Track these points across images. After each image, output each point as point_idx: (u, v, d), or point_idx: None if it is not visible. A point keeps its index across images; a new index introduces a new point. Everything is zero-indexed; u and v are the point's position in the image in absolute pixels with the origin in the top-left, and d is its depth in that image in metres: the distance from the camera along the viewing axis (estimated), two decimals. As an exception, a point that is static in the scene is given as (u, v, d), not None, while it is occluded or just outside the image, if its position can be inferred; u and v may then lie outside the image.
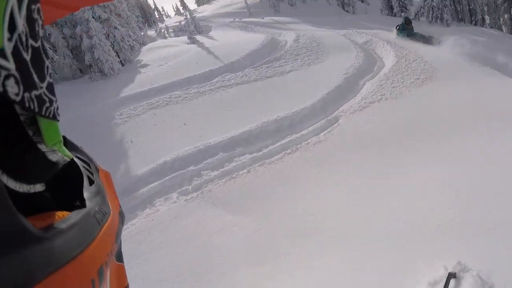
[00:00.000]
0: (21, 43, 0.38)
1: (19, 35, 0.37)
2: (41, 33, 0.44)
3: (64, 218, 0.45)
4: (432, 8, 29.49)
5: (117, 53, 20.01)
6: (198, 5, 59.13)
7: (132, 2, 39.59)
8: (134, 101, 13.40)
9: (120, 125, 11.91)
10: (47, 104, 0.44)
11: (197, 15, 34.83)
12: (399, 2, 34.33)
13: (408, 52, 15.71)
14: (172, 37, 27.65)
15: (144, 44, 24.43)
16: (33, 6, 0.42)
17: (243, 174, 8.18)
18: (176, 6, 70.46)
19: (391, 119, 9.87)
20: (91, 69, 18.57)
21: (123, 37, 20.61)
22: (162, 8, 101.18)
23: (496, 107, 9.44)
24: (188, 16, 26.19)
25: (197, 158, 9.15)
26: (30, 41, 0.40)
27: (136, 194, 8.27)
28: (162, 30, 30.89)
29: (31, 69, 0.40)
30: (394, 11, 34.72)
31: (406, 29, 19.62)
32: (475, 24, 33.66)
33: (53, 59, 19.86)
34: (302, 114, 10.69)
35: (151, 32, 30.77)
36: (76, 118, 12.27)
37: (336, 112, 10.76)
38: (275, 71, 14.52)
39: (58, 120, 0.48)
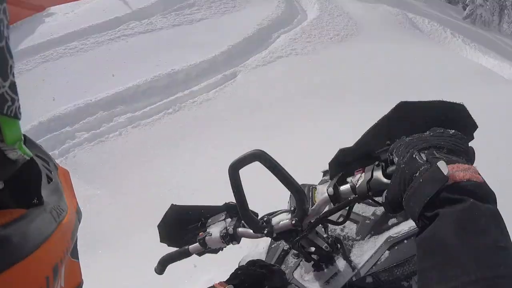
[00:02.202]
0: None
1: None
2: (5, 33, 0.44)
3: (20, 216, 0.46)
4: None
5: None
6: None
7: None
8: (29, 55, 12.13)
9: (8, 82, 10.78)
10: (9, 103, 0.44)
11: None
12: None
13: (335, 6, 15.12)
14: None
15: (58, -11, 22.48)
16: None
17: (113, 137, 7.52)
18: None
19: (294, 77, 9.37)
20: (-10, 17, 16.88)
21: (28, -19, 18.74)
22: None
23: (411, 74, 9.17)
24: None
25: (76, 118, 8.32)
26: None
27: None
28: (81, -26, 28.63)
29: None
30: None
31: None
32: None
33: None
34: (200, 68, 9.98)
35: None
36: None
37: (237, 67, 10.08)
38: (184, 19, 13.55)
39: (20, 119, 0.49)
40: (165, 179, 5.94)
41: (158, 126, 7.68)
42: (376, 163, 1.12)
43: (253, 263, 1.32)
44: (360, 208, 1.56)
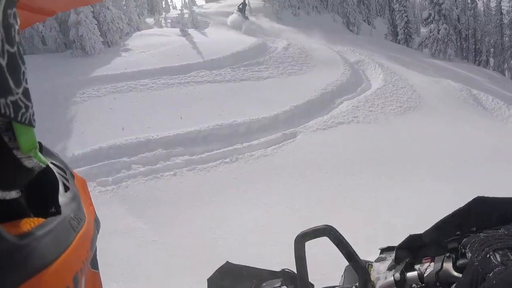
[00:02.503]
0: None
1: None
2: (17, 38, 0.43)
3: (39, 225, 0.44)
4: (437, 41, 28.96)
5: (105, 33, 19.49)
6: (206, 2, 58.96)
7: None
8: (101, 83, 12.84)
9: (77, 104, 11.35)
10: (23, 110, 0.43)
11: (202, 10, 34.34)
12: (404, 30, 33.81)
13: (399, 78, 15.21)
14: (169, 27, 27.07)
15: (138, 29, 23.88)
16: (9, 11, 0.41)
17: (168, 176, 7.62)
18: (184, -1, 70.45)
19: (354, 145, 9.29)
20: (74, 45, 18.03)
21: (113, 19, 20.03)
22: None
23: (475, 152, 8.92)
24: (184, 10, 25.64)
25: (134, 150, 8.56)
26: (6, 46, 0.40)
27: (57, 176, 7.66)
28: (161, 19, 30.34)
29: (7, 75, 0.40)
30: (399, 37, 34.20)
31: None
32: (478, 64, 33.26)
33: (38, 29, 19.41)
34: (261, 123, 10.11)
35: (150, 20, 30.21)
36: (38, 91, 11.71)
37: (298, 127, 10.14)
38: (252, 75, 13.96)
39: (34, 126, 0.47)
40: (214, 227, 5.88)
41: (213, 173, 7.73)
42: (447, 254, 1.10)
43: None
44: None
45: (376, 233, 5.33)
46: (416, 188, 7.02)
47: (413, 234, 1.20)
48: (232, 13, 31.63)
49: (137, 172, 7.77)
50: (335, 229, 1.25)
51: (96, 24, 18.46)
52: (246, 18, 27.69)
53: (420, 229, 1.19)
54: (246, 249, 5.33)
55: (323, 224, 1.26)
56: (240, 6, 28.43)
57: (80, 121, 10.21)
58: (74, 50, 17.86)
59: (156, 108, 10.83)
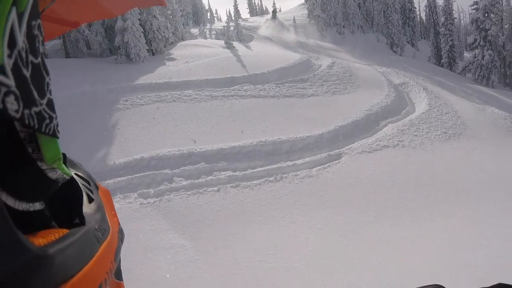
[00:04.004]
0: (21, 59, 0.37)
1: (19, 52, 0.37)
2: (41, 49, 0.43)
3: (64, 236, 0.45)
4: (481, 66, 28.23)
5: (150, 41, 19.75)
6: (251, 15, 59.67)
7: (186, -2, 39.70)
8: (145, 91, 12.87)
9: (121, 111, 11.35)
10: (47, 121, 0.43)
11: (247, 23, 34.60)
12: (448, 54, 33.12)
13: (444, 103, 14.80)
14: (213, 39, 27.30)
15: (183, 39, 24.14)
16: (33, 22, 0.41)
17: (211, 191, 7.41)
18: (229, 11, 71.69)
19: (401, 169, 8.97)
20: (119, 51, 18.30)
21: (159, 27, 20.27)
22: (216, 10, 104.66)
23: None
24: (231, 22, 25.82)
25: (176, 163, 8.42)
26: (30, 58, 0.40)
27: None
28: (205, 31, 30.65)
29: (31, 86, 0.40)
30: (442, 61, 33.56)
31: None
32: (521, 92, 32.24)
33: (84, 33, 19.81)
34: (305, 142, 9.85)
35: (195, 31, 30.57)
36: (80, 94, 11.85)
37: (343, 148, 9.84)
38: (296, 92, 13.75)
39: (58, 137, 0.47)
40: (259, 248, 5.64)
41: (257, 191, 7.50)
42: None
43: None
44: None
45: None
46: (462, 221, 6.74)
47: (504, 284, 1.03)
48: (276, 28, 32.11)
49: (180, 185, 7.60)
50: None
51: (142, 31, 18.71)
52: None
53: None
54: (292, 275, 5.08)
55: (433, 284, 1.08)
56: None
57: (122, 129, 10.18)
58: (119, 56, 18.16)
59: (198, 121, 10.72)
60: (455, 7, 41.68)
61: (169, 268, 5.31)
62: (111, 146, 9.21)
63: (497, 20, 29.67)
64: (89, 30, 19.64)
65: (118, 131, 10.09)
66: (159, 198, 7.18)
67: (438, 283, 1.09)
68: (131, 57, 17.88)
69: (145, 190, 7.47)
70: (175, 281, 5.05)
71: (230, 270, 5.19)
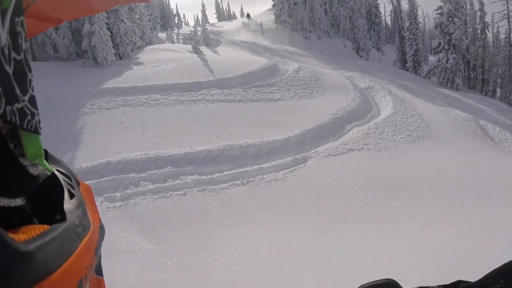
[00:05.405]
0: (4, 56, 0.37)
1: (2, 48, 0.37)
2: (24, 46, 0.43)
3: (44, 232, 0.45)
4: (445, 70, 29.06)
5: (117, 45, 19.61)
6: (219, 20, 59.66)
7: (154, 3, 39.45)
8: (112, 95, 12.80)
9: (87, 115, 11.27)
10: (29, 117, 0.43)
11: (214, 28, 34.60)
12: (413, 58, 34.01)
13: (408, 106, 15.20)
14: (181, 43, 27.24)
15: (150, 43, 24.04)
16: (16, 19, 0.41)
17: (178, 195, 7.48)
18: (197, 16, 71.54)
19: (365, 172, 9.20)
20: (86, 55, 18.11)
21: (127, 31, 20.16)
22: (184, 15, 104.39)
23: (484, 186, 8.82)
24: (198, 27, 25.83)
25: (143, 167, 8.45)
26: (13, 54, 0.40)
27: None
28: (173, 35, 30.56)
29: (14, 82, 0.40)
30: (407, 65, 34.42)
31: None
32: (485, 94, 33.36)
33: (51, 36, 19.51)
34: (272, 146, 10.01)
35: (162, 35, 30.42)
36: (47, 99, 11.67)
37: (309, 152, 10.04)
38: (263, 96, 13.90)
39: (40, 133, 0.47)
40: (226, 251, 5.74)
41: (224, 195, 7.60)
42: None
43: None
44: None
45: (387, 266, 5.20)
46: (426, 222, 6.97)
47: (463, 282, 1.14)
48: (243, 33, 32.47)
49: (146, 189, 7.64)
50: (399, 284, 1.18)
51: (109, 35, 18.57)
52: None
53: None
54: (259, 277, 5.20)
55: (385, 278, 1.19)
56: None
57: (89, 133, 10.13)
58: (86, 60, 17.98)
59: (166, 125, 10.75)
60: (420, 12, 42.91)
61: (135, 271, 5.36)
62: (77, 150, 9.17)
63: (461, 24, 30.66)
64: (56, 33, 19.34)
65: (85, 135, 10.04)
66: (125, 202, 7.20)
67: (390, 278, 1.21)
68: (98, 61, 17.72)
69: (112, 194, 7.48)
70: (141, 285, 5.10)
71: (197, 273, 5.28)
